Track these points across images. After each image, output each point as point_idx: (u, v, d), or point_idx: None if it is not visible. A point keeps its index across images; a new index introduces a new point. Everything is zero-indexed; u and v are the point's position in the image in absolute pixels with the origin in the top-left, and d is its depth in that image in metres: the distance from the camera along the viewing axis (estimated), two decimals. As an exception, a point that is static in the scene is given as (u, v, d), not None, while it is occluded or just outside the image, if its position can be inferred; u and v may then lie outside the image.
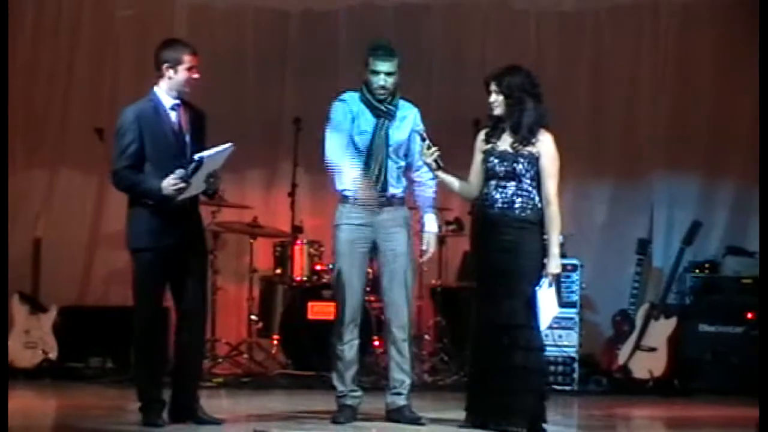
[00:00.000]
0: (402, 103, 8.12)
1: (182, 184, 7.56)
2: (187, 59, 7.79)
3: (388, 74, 7.95)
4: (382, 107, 7.98)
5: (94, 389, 9.98)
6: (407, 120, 8.09)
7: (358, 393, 8.09)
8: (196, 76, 7.82)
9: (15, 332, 10.80)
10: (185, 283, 7.82)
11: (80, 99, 11.53)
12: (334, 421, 7.94)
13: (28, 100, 11.51)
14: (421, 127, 7.97)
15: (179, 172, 7.58)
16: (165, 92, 7.79)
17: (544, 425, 7.65)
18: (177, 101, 7.80)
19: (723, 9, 10.90)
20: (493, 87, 7.81)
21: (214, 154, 7.66)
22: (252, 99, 11.59)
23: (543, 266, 7.72)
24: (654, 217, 11.51)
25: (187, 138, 7.81)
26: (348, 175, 7.96)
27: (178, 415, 7.76)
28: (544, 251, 7.75)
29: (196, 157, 7.62)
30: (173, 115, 7.79)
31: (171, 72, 7.77)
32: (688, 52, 11.39)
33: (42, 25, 11.50)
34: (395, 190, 8.04)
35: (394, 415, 7.99)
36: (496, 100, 7.80)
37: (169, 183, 7.56)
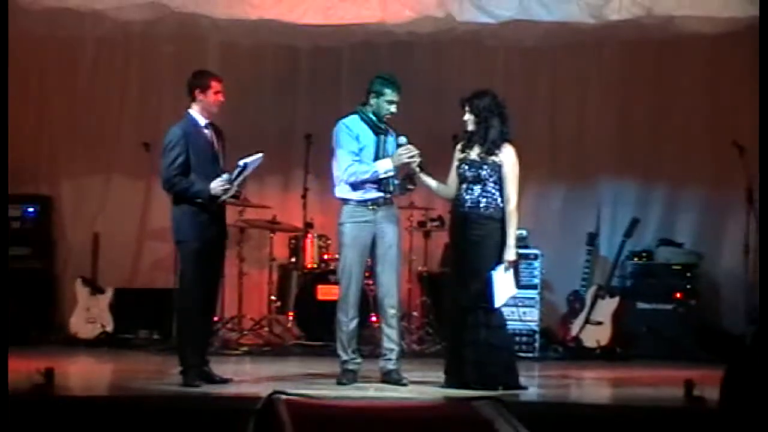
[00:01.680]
0: None
1: (227, 186, 7.65)
2: (214, 84, 7.87)
3: (398, 104, 8.03)
4: (383, 126, 8.04)
5: (142, 356, 9.99)
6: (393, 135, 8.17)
7: (358, 360, 8.12)
8: (221, 98, 7.89)
9: (78, 310, 10.81)
10: (213, 271, 7.87)
11: (130, 118, 11.53)
12: (339, 383, 7.97)
13: (88, 119, 11.52)
14: (402, 137, 8.02)
15: (225, 176, 7.67)
16: (198, 113, 7.85)
17: (519, 388, 7.79)
18: (208, 121, 7.87)
19: (655, 43, 10.93)
20: (466, 108, 7.91)
21: (252, 161, 7.74)
22: (270, 118, 11.58)
23: (500, 255, 7.79)
24: (600, 215, 11.51)
25: (218, 151, 7.89)
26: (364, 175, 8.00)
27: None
28: (504, 244, 7.81)
29: (240, 163, 7.72)
30: (207, 133, 7.85)
31: (202, 96, 7.83)
32: (627, 79, 11.40)
33: (100, 59, 11.51)
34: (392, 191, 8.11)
35: (384, 377, 8.03)
36: (469, 118, 7.89)
37: (218, 185, 7.65)
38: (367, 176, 7.96)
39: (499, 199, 7.81)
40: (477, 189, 7.82)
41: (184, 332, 7.91)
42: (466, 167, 7.86)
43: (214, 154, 7.88)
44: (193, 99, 7.88)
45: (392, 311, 8.03)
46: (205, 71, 8.09)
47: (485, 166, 7.81)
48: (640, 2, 9.84)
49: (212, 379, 7.85)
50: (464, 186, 7.87)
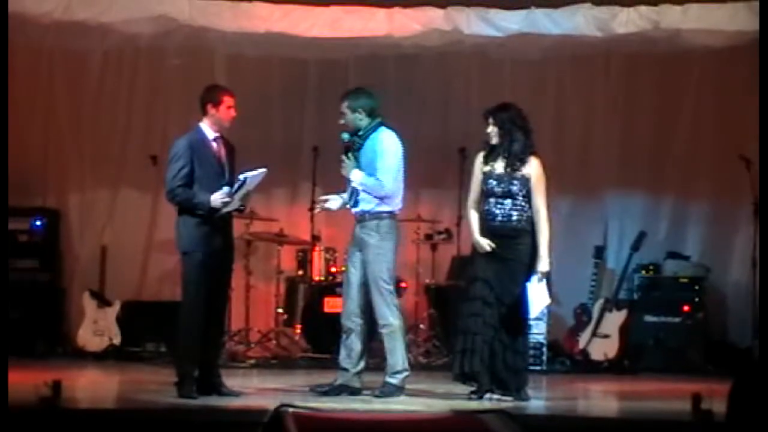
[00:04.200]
0: (380, 130, 8.13)
1: (227, 199, 7.68)
2: (226, 99, 7.92)
3: (341, 114, 8.04)
4: (351, 140, 8.07)
5: (149, 369, 9.96)
6: (375, 144, 8.12)
7: (352, 371, 8.08)
8: (233, 113, 7.93)
9: (86, 322, 10.79)
10: (219, 282, 7.88)
11: (137, 131, 11.54)
12: (318, 390, 8.01)
13: (95, 132, 11.54)
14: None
15: (226, 189, 7.69)
16: (209, 127, 7.90)
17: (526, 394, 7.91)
18: (217, 134, 7.90)
19: (661, 56, 10.95)
20: (489, 120, 7.92)
21: (253, 176, 7.77)
22: (278, 131, 11.60)
23: (533, 265, 7.83)
24: (607, 228, 11.51)
25: (225, 164, 7.91)
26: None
27: (205, 390, 7.81)
28: (533, 251, 7.86)
29: (241, 177, 7.76)
30: (215, 146, 7.88)
31: (214, 110, 7.88)
32: (633, 92, 11.41)
33: (106, 72, 11.52)
34: (366, 206, 8.07)
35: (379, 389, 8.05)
36: (492, 131, 7.91)
37: (218, 197, 7.68)
38: None
39: (529, 212, 7.87)
40: (507, 203, 7.87)
41: (183, 343, 7.93)
42: (494, 182, 7.89)
43: (220, 167, 7.91)
44: (205, 113, 7.92)
45: (383, 329, 8.07)
46: (217, 86, 8.18)
47: (515, 181, 7.85)
48: (647, 15, 9.88)
49: (222, 392, 7.84)
50: (492, 200, 7.90)
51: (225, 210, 7.80)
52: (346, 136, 8.09)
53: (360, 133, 8.10)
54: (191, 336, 7.83)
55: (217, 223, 7.81)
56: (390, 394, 7.96)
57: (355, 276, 8.08)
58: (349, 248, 8.17)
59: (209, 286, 7.82)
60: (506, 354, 7.83)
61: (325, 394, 7.97)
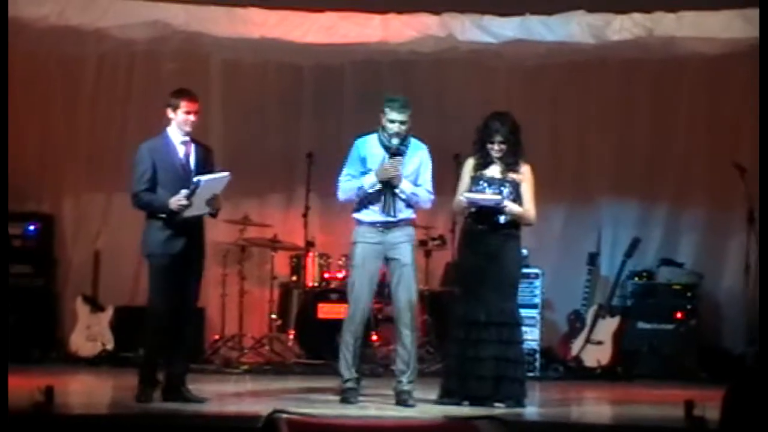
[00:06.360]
0: (414, 141, 8.13)
1: (185, 202, 7.62)
2: (183, 105, 7.83)
3: (402, 123, 7.98)
4: (395, 145, 8.00)
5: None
6: (417, 155, 8.11)
7: (360, 378, 8.09)
8: (192, 118, 7.84)
9: (79, 327, 10.76)
10: (185, 286, 7.83)
11: (132, 136, 11.47)
12: (347, 401, 7.90)
13: (91, 137, 11.51)
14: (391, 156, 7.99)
15: (183, 192, 7.63)
16: (175, 130, 7.86)
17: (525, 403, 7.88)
18: (186, 138, 7.86)
19: (655, 64, 10.97)
20: (497, 138, 7.89)
21: (211, 179, 7.70)
22: (273, 137, 11.57)
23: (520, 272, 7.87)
24: (601, 235, 11.51)
25: (192, 167, 7.85)
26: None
27: (169, 396, 7.76)
28: (521, 257, 7.86)
29: (194, 180, 7.66)
30: (181, 149, 7.84)
31: (173, 114, 7.84)
32: (628, 99, 11.42)
33: (102, 77, 11.49)
34: (403, 214, 8.03)
35: (396, 398, 7.98)
36: (501, 148, 7.90)
37: (175, 200, 7.64)
38: (353, 192, 7.99)
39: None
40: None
41: (146, 349, 7.97)
42: (485, 185, 7.91)
43: (184, 171, 7.82)
44: (169, 116, 7.92)
45: (406, 332, 8.00)
46: (181, 90, 7.97)
47: (507, 183, 7.88)
48: (641, 23, 9.90)
49: (188, 399, 7.77)
50: None
51: (188, 214, 7.70)
52: (396, 141, 8.02)
53: (404, 142, 8.05)
54: (154, 342, 7.84)
55: (182, 227, 7.76)
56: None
57: (371, 285, 8.05)
58: (363, 257, 7.99)
59: (175, 290, 7.79)
60: (499, 365, 7.80)
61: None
